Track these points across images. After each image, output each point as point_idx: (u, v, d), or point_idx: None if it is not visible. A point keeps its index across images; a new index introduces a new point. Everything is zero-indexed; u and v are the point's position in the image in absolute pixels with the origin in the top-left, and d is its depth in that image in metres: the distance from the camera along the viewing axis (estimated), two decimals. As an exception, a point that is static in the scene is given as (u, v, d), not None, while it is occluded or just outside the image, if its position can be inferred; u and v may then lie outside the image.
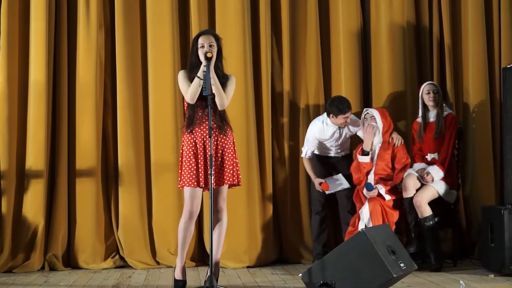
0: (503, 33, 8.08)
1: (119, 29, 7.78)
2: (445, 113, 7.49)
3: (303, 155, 7.80)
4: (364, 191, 7.40)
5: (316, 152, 7.80)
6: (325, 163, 7.82)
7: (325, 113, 7.65)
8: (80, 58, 7.75)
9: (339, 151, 7.80)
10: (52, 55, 7.71)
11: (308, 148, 7.76)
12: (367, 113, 7.48)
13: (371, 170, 7.46)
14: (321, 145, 7.74)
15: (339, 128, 7.63)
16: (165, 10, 7.80)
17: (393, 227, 7.16)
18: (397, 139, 7.49)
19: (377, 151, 7.48)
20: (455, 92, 8.10)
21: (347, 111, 7.49)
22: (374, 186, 7.33)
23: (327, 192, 7.61)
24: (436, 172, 7.31)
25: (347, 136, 7.71)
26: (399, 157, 7.45)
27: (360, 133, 7.64)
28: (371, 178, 7.45)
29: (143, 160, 7.84)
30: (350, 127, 7.67)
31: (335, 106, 7.49)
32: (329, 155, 7.81)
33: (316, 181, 7.67)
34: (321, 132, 7.66)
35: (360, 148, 7.51)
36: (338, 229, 7.81)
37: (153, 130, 7.80)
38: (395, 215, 7.29)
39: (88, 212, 7.72)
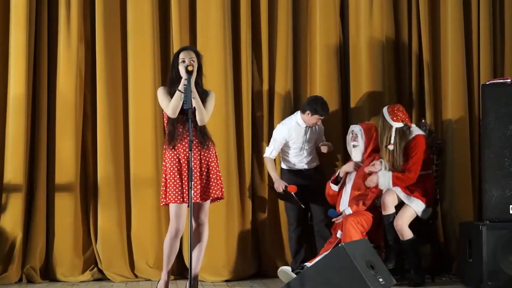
0: (482, 50, 8.10)
1: (99, 43, 7.76)
2: (411, 136, 7.34)
3: (267, 154, 7.77)
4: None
5: (287, 167, 7.82)
6: (299, 178, 7.78)
7: (297, 112, 7.70)
8: (60, 71, 7.73)
9: (306, 160, 7.78)
10: (32, 68, 7.68)
11: (274, 148, 7.73)
12: (352, 131, 7.51)
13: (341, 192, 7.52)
14: (287, 148, 7.72)
15: (307, 127, 7.65)
16: (146, 24, 7.79)
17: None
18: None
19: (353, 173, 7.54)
20: (434, 109, 8.12)
21: (324, 115, 7.56)
22: (339, 212, 7.36)
23: (293, 193, 7.59)
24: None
25: (313, 138, 7.74)
26: None
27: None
28: (346, 198, 7.46)
29: (122, 173, 7.81)
30: (317, 127, 7.75)
31: (316, 106, 7.51)
32: (301, 168, 7.81)
33: (281, 182, 7.65)
34: (290, 131, 7.64)
35: (335, 176, 7.58)
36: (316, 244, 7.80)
37: (133, 144, 7.79)
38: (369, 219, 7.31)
39: (66, 225, 7.68)
